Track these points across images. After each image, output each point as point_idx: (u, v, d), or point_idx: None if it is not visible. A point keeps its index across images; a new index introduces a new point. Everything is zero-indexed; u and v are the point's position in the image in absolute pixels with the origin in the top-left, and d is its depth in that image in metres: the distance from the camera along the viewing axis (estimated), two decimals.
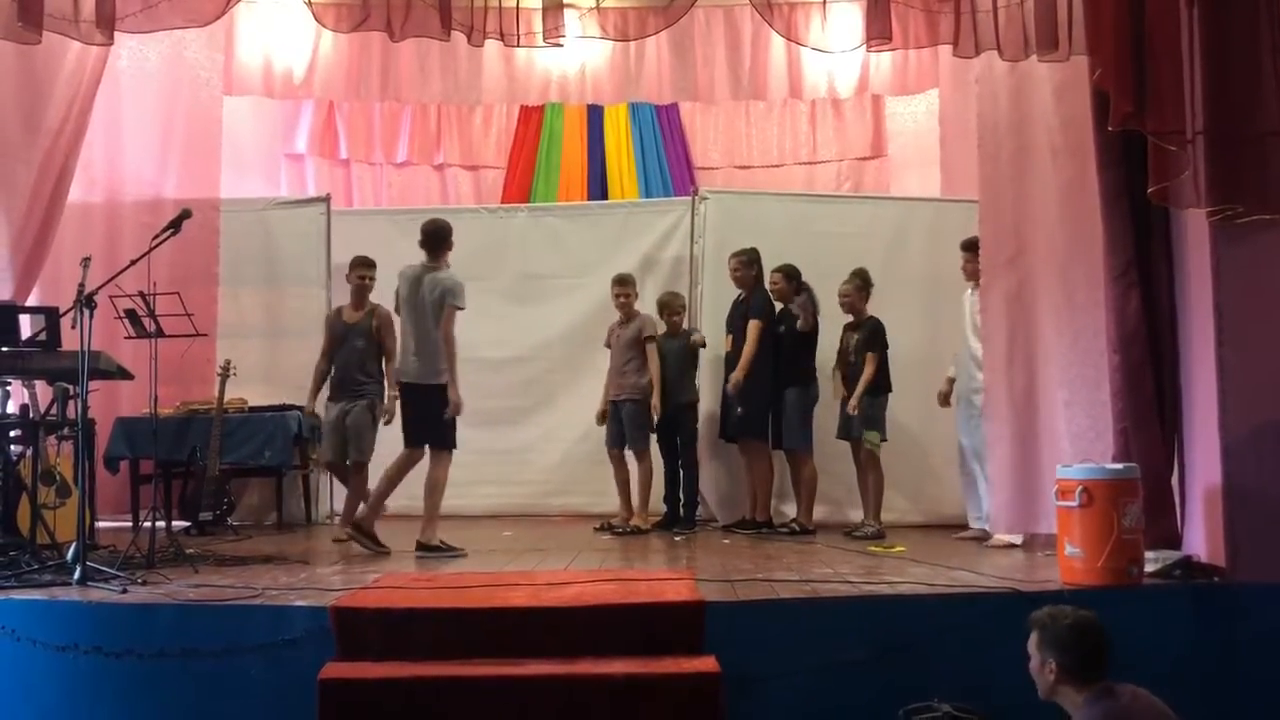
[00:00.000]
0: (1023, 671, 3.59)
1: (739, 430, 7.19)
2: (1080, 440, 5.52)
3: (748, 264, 7.25)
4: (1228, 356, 4.82)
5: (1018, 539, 6.12)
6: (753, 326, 7.07)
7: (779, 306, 7.22)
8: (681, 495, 7.31)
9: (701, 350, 7.45)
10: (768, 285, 7.22)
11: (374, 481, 6.51)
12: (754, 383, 7.09)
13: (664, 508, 7.37)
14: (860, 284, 7.07)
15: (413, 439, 6.30)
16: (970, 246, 6.56)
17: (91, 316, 5.13)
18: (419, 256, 6.94)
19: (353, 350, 6.72)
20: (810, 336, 7.10)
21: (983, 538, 6.43)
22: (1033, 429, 5.87)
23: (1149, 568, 4.76)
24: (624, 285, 7.36)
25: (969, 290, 6.67)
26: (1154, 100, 4.78)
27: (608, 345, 7.46)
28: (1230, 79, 4.75)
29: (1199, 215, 4.86)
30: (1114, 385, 5.23)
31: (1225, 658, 4.51)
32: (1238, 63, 4.75)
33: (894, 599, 4.61)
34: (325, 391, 6.76)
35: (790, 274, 7.18)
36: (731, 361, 7.28)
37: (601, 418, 7.41)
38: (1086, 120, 5.36)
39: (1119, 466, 4.84)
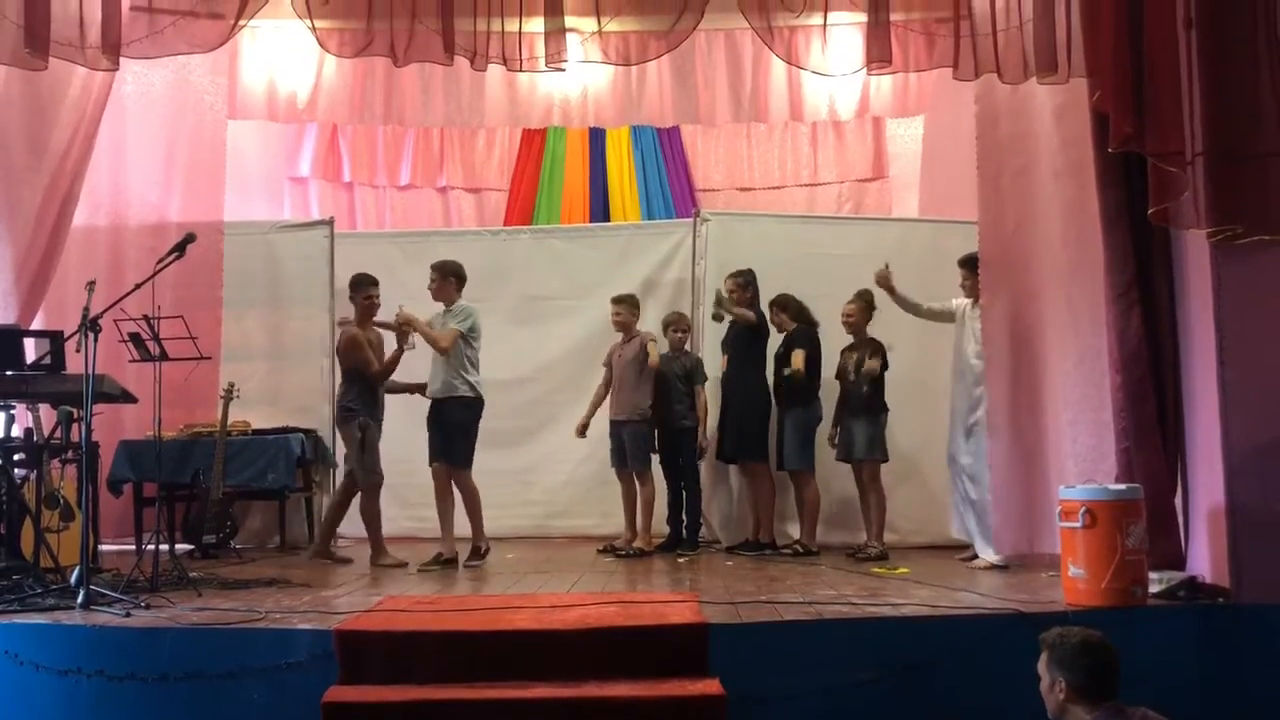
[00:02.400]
0: (1026, 693, 3.58)
1: (737, 451, 7.20)
2: (1085, 460, 5.51)
3: (744, 285, 7.28)
4: (1229, 376, 4.82)
5: (1000, 559, 6.12)
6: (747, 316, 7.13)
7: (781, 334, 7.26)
8: (685, 517, 7.31)
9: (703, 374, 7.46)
10: (770, 319, 7.25)
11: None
12: (753, 403, 7.11)
13: (667, 529, 7.37)
14: (864, 305, 7.09)
15: None
16: (967, 263, 6.58)
17: (96, 340, 5.15)
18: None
19: None
20: (811, 358, 7.11)
21: (971, 557, 6.44)
22: (1036, 449, 5.87)
23: (1153, 588, 4.75)
24: (618, 304, 7.39)
25: (968, 305, 6.68)
26: (1153, 122, 4.81)
27: (606, 364, 7.47)
28: (1229, 100, 4.78)
29: (1199, 235, 4.88)
30: (1116, 405, 5.24)
31: (1230, 679, 4.50)
32: (1236, 84, 4.78)
33: (898, 620, 4.60)
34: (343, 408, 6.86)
35: (784, 304, 7.23)
36: (729, 382, 7.29)
37: (581, 430, 7.40)
38: (1086, 141, 5.39)
39: (1122, 487, 4.83)
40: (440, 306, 6.95)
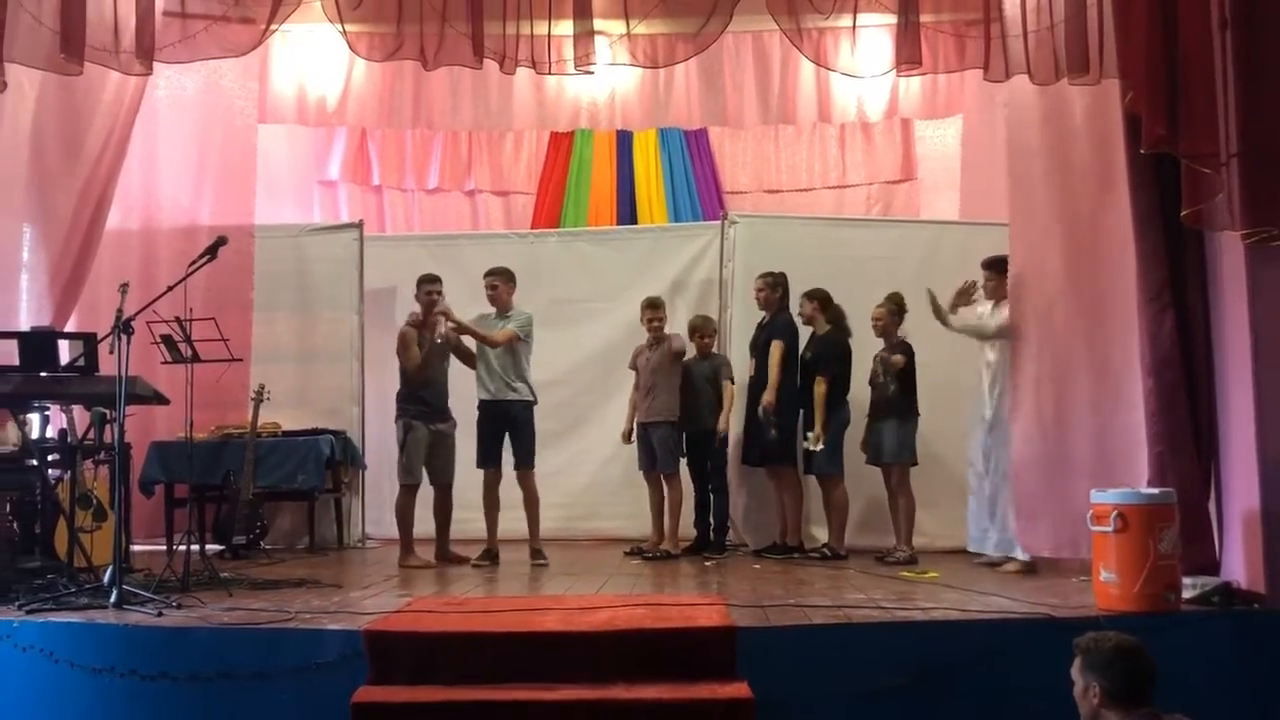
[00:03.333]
0: (1057, 699, 3.55)
1: (767, 455, 7.17)
2: (1115, 464, 5.47)
3: (773, 286, 7.26)
4: (1265, 378, 4.77)
5: (1027, 558, 6.07)
6: (775, 347, 7.07)
7: (808, 330, 7.22)
8: (712, 520, 7.29)
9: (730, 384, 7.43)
10: (797, 311, 7.21)
11: None
12: (781, 406, 7.08)
13: (694, 532, 7.36)
14: (894, 308, 7.04)
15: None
16: (991, 265, 6.52)
17: (129, 342, 5.19)
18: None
19: (443, 371, 6.98)
20: (838, 371, 7.08)
21: (998, 562, 6.38)
22: (1064, 453, 5.82)
23: (1186, 594, 4.70)
24: (656, 309, 7.37)
25: (990, 307, 6.61)
26: (1187, 122, 4.76)
27: (632, 367, 7.47)
28: (1265, 101, 4.71)
29: (1234, 237, 4.82)
30: (1148, 409, 5.19)
31: (1265, 686, 4.44)
32: (1272, 84, 4.72)
33: (927, 625, 4.56)
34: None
35: (821, 300, 7.18)
36: (755, 386, 7.26)
37: (627, 436, 7.42)
38: (1117, 143, 5.34)
39: (1155, 491, 4.79)
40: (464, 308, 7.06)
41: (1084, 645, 3.48)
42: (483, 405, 6.94)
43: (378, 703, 4.16)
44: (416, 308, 6.94)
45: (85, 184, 6.63)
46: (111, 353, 5.20)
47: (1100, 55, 5.22)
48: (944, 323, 6.72)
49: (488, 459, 6.90)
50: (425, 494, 6.96)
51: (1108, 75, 5.21)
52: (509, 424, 6.90)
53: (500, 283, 7.02)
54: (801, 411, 7.14)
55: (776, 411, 7.01)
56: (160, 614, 4.71)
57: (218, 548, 7.19)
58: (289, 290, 8.11)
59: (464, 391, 7.12)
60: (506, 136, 10.42)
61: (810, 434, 6.94)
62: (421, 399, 6.85)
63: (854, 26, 6.24)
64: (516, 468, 6.91)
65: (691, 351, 7.39)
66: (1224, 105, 4.77)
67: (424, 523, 6.96)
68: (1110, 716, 3.39)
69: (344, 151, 10.22)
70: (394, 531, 7.03)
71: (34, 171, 6.52)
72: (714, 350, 7.50)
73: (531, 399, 6.97)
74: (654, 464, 7.24)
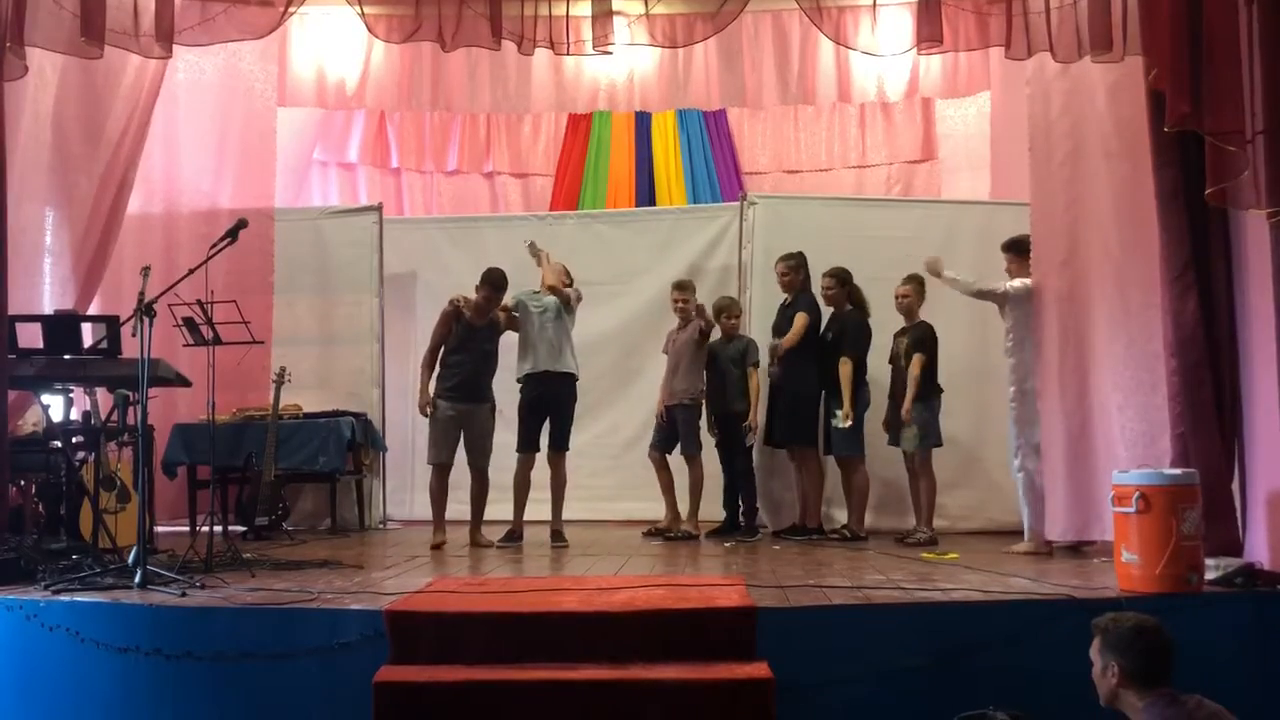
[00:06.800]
0: (1078, 678, 3.55)
1: (786, 436, 7.16)
2: (1136, 445, 5.45)
3: (795, 268, 7.23)
4: None
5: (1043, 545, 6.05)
6: (799, 316, 7.06)
7: (829, 311, 7.20)
8: (741, 503, 7.27)
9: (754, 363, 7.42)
10: (820, 289, 7.19)
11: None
12: (802, 387, 7.07)
13: (723, 513, 7.34)
14: (918, 286, 7.01)
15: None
16: (1011, 247, 6.48)
17: (151, 325, 5.21)
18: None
19: (482, 353, 6.89)
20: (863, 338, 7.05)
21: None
22: (1086, 434, 5.80)
23: (1209, 575, 4.67)
24: (683, 290, 7.36)
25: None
26: (1212, 100, 4.71)
27: (665, 351, 7.47)
28: None
29: (1259, 216, 4.77)
30: (1171, 389, 5.16)
31: None
32: None
33: (948, 605, 4.55)
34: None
35: (843, 278, 7.15)
36: (779, 366, 7.25)
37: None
38: (1140, 121, 5.30)
39: (1177, 472, 4.76)
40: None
41: (1102, 625, 3.48)
42: (529, 379, 6.89)
43: (399, 682, 4.18)
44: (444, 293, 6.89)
45: (107, 168, 6.66)
46: (134, 335, 5.22)
47: (1124, 31, 5.17)
48: (937, 275, 6.69)
49: (529, 442, 6.87)
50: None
51: (1131, 52, 5.16)
52: (553, 400, 6.85)
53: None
54: (824, 391, 7.13)
55: (792, 396, 7.01)
56: (184, 594, 4.75)
57: (240, 529, 7.24)
58: (309, 273, 8.14)
59: (504, 381, 7.11)
60: (525, 118, 10.42)
61: (839, 411, 6.90)
62: (447, 377, 6.83)
63: (874, 4, 6.21)
64: (552, 448, 6.88)
65: (718, 333, 7.37)
66: (1249, 82, 4.72)
67: (460, 504, 6.96)
68: (1128, 697, 3.39)
69: (363, 134, 10.24)
70: (415, 513, 7.04)
71: (56, 156, 6.55)
72: (740, 332, 7.47)
73: (577, 374, 6.95)
74: (665, 445, 7.25)
